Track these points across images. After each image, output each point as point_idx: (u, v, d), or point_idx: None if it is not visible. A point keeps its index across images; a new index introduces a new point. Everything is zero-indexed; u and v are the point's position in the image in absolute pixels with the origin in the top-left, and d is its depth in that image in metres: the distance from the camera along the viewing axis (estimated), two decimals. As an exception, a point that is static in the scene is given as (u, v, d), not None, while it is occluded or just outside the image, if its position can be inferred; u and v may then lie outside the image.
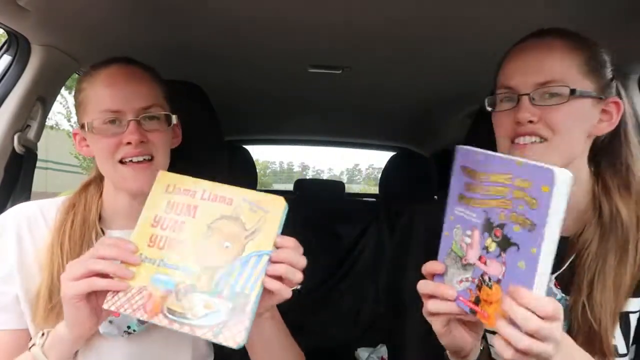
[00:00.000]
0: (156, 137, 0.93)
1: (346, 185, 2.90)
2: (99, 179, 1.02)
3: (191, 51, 1.44)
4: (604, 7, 1.06)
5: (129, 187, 0.91)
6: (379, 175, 2.55)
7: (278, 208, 0.75)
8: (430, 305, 0.70)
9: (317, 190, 2.74)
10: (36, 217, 0.95)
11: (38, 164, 1.33)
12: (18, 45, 1.22)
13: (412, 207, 1.35)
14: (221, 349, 1.11)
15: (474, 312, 0.65)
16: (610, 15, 1.08)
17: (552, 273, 0.85)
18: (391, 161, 2.49)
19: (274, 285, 0.72)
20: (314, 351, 1.15)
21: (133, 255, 0.75)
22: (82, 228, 0.93)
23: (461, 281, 0.68)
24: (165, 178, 0.80)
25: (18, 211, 0.95)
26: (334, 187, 2.79)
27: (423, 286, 0.71)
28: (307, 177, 18.58)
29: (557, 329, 0.60)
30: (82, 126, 0.94)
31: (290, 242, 0.75)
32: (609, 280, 0.79)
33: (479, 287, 0.65)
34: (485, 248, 0.65)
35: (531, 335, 0.58)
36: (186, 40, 1.36)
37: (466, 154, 0.69)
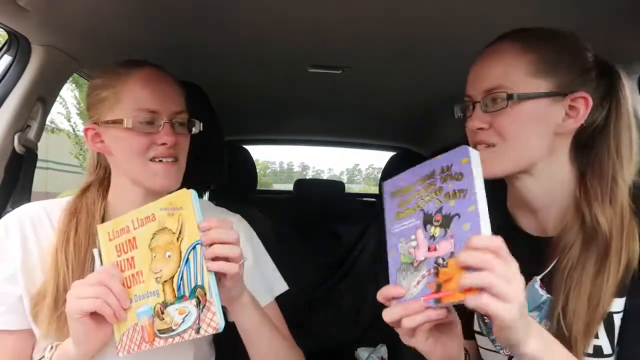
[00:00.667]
0: (182, 141, 0.97)
1: (346, 185, 2.90)
2: (97, 183, 1.02)
3: (191, 51, 1.44)
4: (604, 7, 1.05)
5: (158, 183, 0.94)
6: (379, 175, 2.55)
7: (187, 199, 0.79)
8: (406, 323, 0.66)
9: (317, 190, 2.74)
10: (40, 217, 0.95)
11: (38, 164, 1.33)
12: (18, 45, 1.22)
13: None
14: (221, 348, 1.12)
15: (438, 300, 0.64)
16: (610, 15, 1.08)
17: (538, 274, 0.85)
18: (391, 161, 2.50)
19: (215, 266, 0.76)
20: (314, 351, 1.15)
21: (128, 300, 0.82)
22: (86, 236, 0.93)
23: (418, 282, 0.68)
24: (104, 229, 0.88)
25: (22, 211, 0.96)
26: (333, 187, 2.79)
27: (389, 315, 0.68)
28: (307, 177, 18.59)
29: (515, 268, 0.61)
30: (105, 122, 0.94)
31: (213, 222, 0.78)
32: (584, 291, 0.77)
33: (437, 274, 0.66)
34: (432, 237, 0.68)
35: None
36: (186, 40, 1.36)
37: (391, 183, 0.76)
